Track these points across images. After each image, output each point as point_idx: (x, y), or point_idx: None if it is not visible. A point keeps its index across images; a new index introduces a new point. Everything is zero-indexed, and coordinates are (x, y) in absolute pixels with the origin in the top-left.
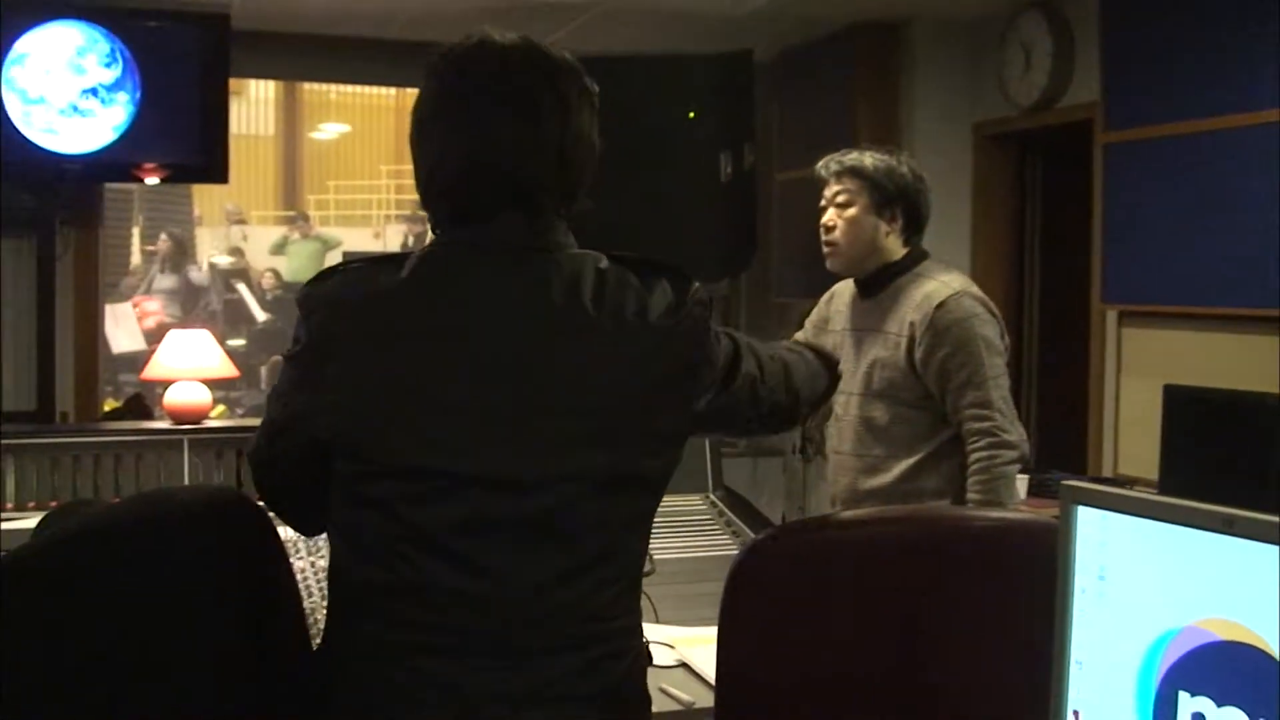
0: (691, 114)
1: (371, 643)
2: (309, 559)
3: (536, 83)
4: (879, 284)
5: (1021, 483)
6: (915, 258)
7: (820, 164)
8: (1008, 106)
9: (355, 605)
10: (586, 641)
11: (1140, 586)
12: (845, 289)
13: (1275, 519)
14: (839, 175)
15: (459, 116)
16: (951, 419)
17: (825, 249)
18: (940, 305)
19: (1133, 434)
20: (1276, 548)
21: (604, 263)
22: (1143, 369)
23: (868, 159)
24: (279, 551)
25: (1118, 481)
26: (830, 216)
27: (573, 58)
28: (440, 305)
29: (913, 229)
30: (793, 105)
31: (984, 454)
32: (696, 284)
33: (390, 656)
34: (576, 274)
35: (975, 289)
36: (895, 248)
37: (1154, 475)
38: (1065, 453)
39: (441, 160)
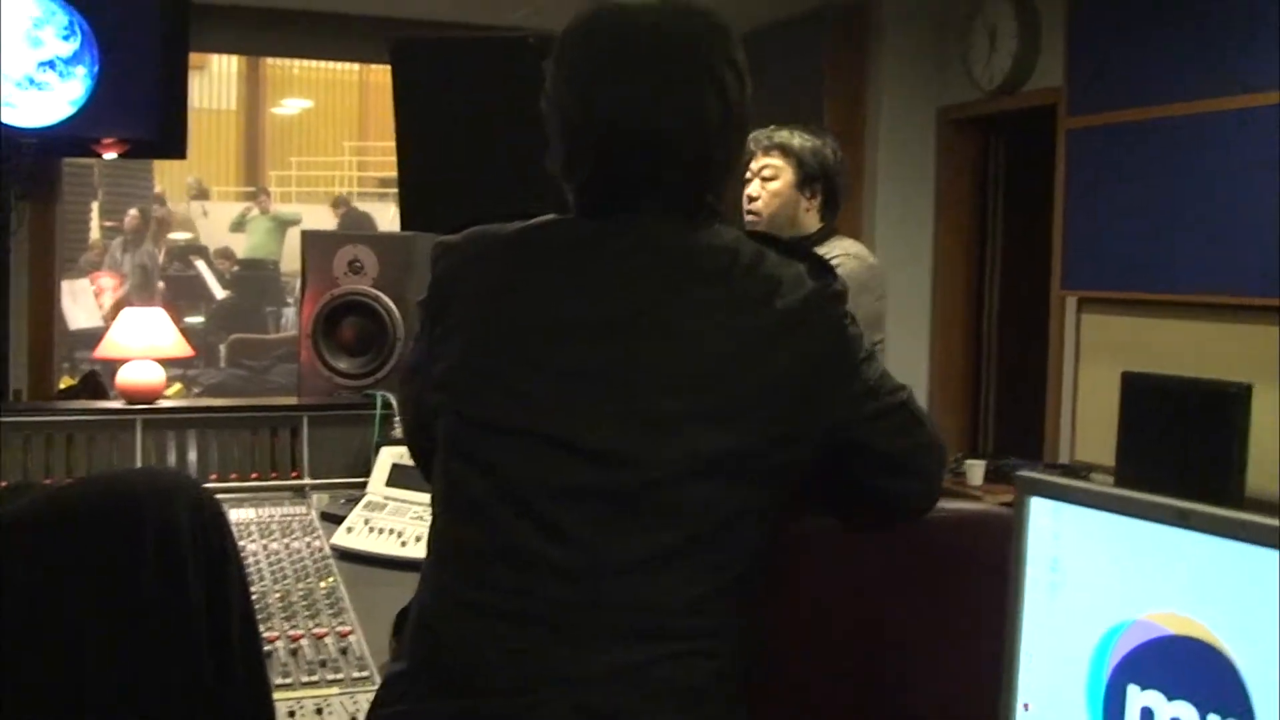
0: None
1: (453, 599)
2: (261, 542)
3: (697, 49)
4: None
5: (978, 468)
6: (825, 234)
7: (750, 137)
8: (973, 90)
9: (444, 562)
10: (666, 635)
11: (1092, 578)
12: None
13: (1230, 513)
14: (767, 150)
15: (611, 87)
16: None
17: (748, 217)
18: None
19: (1091, 420)
20: (1230, 541)
21: (743, 241)
22: (1102, 355)
23: (796, 138)
24: (226, 535)
25: (1075, 468)
26: (755, 188)
27: (722, 17)
28: (560, 265)
29: (830, 208)
30: (760, 86)
31: None
32: (838, 279)
33: (468, 615)
34: (708, 249)
35: (863, 264)
36: (811, 223)
37: (1112, 461)
38: (1024, 438)
39: (586, 136)
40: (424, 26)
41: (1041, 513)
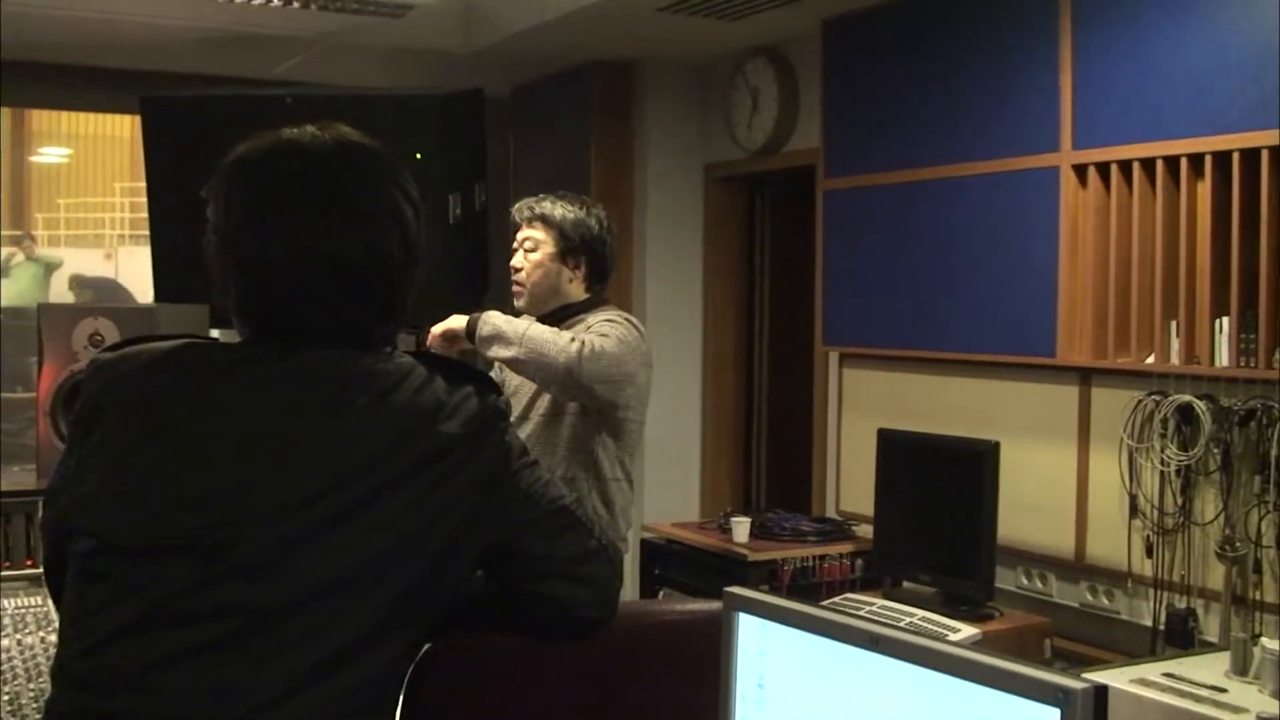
0: (419, 155)
1: None
2: (15, 636)
3: (362, 186)
4: (555, 322)
5: (744, 525)
6: (593, 303)
7: (514, 208)
8: (737, 150)
9: (74, 690)
10: None
11: (795, 698)
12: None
13: (916, 640)
14: (529, 221)
15: (278, 226)
16: None
17: (514, 288)
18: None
19: (854, 472)
20: (914, 667)
21: (413, 368)
22: (862, 409)
23: (558, 208)
24: None
25: (835, 521)
26: (518, 260)
27: (391, 153)
28: (209, 386)
29: (596, 277)
30: (527, 142)
31: None
32: (501, 395)
33: None
34: (370, 374)
35: (635, 330)
36: (577, 292)
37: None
38: (792, 491)
39: (262, 272)
40: (184, 80)
41: (749, 630)
